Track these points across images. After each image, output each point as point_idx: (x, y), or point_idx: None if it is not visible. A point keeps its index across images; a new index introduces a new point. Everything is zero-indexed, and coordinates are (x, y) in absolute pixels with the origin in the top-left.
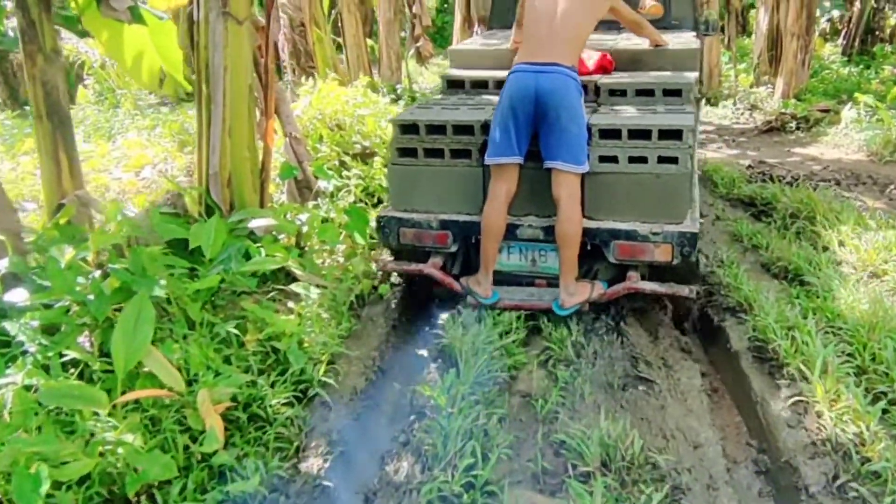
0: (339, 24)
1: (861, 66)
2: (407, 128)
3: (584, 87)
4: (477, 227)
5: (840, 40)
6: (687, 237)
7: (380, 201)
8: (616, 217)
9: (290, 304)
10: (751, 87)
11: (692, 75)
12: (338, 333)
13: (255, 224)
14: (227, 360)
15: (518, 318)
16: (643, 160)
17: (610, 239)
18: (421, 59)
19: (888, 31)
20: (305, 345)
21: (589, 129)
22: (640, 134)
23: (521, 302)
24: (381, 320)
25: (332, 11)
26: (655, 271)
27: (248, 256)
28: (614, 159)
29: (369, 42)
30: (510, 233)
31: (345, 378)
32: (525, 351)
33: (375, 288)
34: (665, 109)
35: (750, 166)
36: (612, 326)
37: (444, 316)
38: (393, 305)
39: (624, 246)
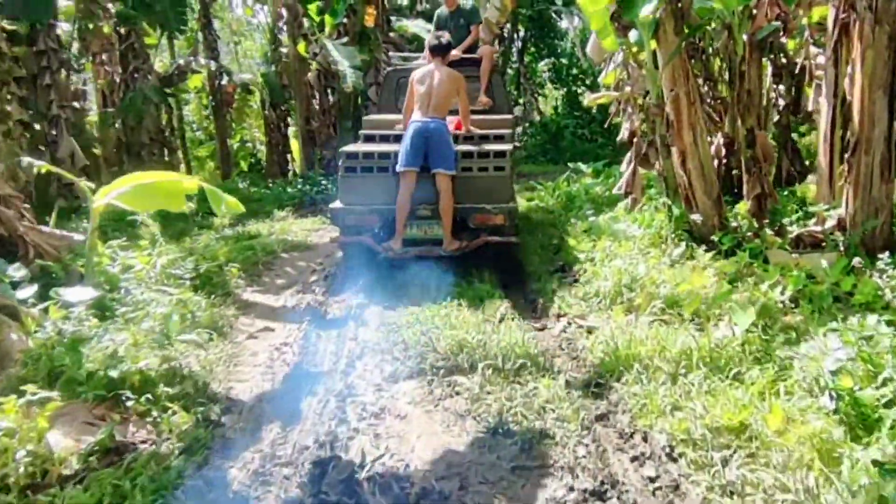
0: None
1: None
2: (351, 155)
3: (455, 136)
4: (392, 212)
5: None
6: (512, 210)
7: None
8: (473, 201)
9: None
10: None
11: (509, 130)
12: None
13: None
14: None
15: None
16: (486, 169)
17: (471, 213)
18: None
19: None
20: None
21: (455, 154)
22: (484, 155)
23: (421, 252)
24: None
25: None
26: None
27: None
28: (471, 169)
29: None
30: (412, 214)
31: None
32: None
33: None
34: (495, 143)
35: None
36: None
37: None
38: None
39: (480, 216)
